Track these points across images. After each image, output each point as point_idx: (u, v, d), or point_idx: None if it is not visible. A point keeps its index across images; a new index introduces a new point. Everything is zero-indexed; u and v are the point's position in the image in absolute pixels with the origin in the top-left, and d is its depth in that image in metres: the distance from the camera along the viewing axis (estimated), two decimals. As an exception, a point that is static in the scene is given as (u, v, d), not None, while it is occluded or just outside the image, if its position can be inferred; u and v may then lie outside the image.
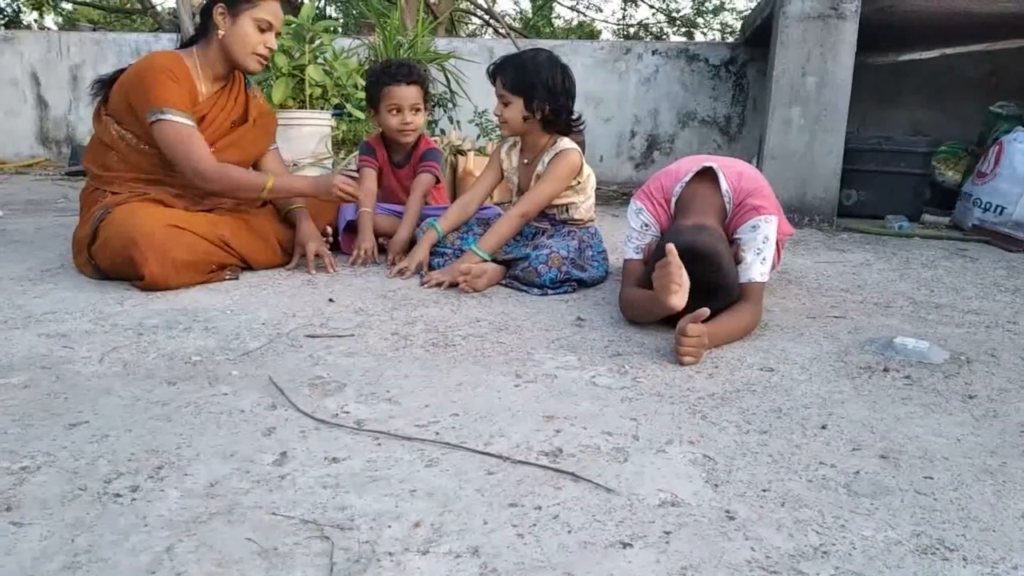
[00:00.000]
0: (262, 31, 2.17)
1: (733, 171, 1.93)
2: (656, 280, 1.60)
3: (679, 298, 1.57)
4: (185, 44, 2.30)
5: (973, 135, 4.45)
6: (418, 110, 2.53)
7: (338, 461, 1.05)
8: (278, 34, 2.25)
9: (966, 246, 3.37)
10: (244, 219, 2.22)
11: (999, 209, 3.65)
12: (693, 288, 1.62)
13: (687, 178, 1.93)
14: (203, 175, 2.10)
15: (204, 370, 1.40)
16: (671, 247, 1.58)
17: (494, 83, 2.24)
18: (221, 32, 2.15)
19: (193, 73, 2.16)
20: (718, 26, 12.32)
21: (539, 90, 2.17)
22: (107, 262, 2.00)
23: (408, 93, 2.49)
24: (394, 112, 2.51)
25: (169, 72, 2.07)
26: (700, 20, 12.28)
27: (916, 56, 5.00)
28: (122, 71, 2.18)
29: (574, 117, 2.29)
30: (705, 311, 1.53)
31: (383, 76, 2.50)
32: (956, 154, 4.47)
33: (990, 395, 1.42)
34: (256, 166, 2.41)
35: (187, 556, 0.82)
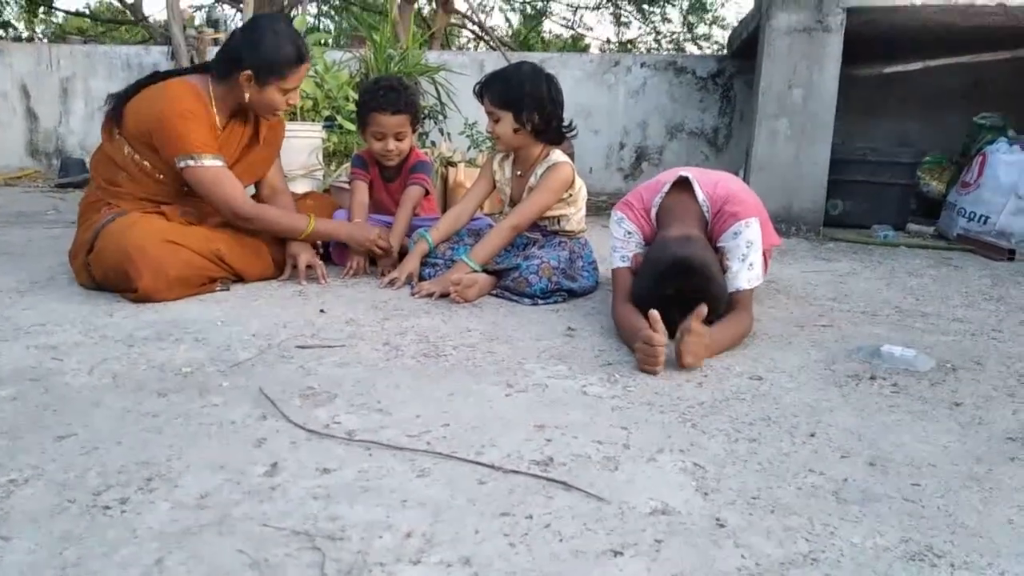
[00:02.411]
0: (286, 92, 2.18)
1: (709, 180, 1.95)
2: (638, 353, 1.56)
3: (659, 369, 1.54)
4: (197, 68, 2.27)
5: (957, 146, 4.50)
6: (402, 137, 2.55)
7: (329, 472, 1.05)
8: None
9: (951, 255, 3.41)
10: (239, 235, 2.21)
11: (983, 219, 3.69)
12: (683, 301, 1.63)
13: (666, 189, 1.95)
14: (240, 215, 2.15)
15: (195, 381, 1.40)
16: (655, 314, 1.52)
17: (481, 101, 2.25)
18: (246, 95, 2.14)
19: (210, 106, 2.15)
20: (708, 46, 12.44)
21: (526, 101, 2.19)
22: (101, 272, 2.00)
23: (393, 122, 2.49)
24: (378, 137, 2.54)
25: (190, 114, 2.05)
26: (688, 44, 12.44)
27: (901, 68, 5.06)
28: (136, 88, 2.14)
29: (565, 124, 2.31)
30: (704, 308, 1.55)
31: (371, 100, 2.50)
32: (940, 164, 4.52)
33: (976, 402, 1.43)
34: (258, 180, 2.41)
35: (178, 568, 0.82)
